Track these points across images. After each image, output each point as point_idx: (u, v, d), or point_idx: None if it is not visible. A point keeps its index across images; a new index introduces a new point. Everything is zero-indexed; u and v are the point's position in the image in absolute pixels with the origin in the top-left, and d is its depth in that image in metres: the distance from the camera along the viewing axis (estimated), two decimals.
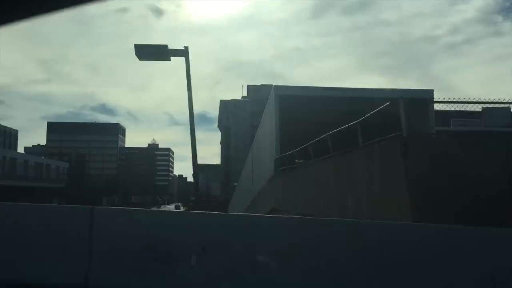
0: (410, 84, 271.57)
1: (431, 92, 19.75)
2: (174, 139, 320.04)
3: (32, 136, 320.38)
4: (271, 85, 31.84)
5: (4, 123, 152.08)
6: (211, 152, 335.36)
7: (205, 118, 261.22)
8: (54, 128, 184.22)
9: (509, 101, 10.05)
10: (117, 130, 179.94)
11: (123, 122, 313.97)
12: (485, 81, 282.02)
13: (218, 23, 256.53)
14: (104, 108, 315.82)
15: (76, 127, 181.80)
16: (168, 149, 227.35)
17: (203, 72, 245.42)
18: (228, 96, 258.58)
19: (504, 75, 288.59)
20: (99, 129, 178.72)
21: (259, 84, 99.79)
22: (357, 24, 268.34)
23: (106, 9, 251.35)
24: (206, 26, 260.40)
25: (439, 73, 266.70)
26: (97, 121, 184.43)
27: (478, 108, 9.74)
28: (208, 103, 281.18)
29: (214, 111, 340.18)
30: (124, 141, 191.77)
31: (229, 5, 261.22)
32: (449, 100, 9.20)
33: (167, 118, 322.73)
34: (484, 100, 9.99)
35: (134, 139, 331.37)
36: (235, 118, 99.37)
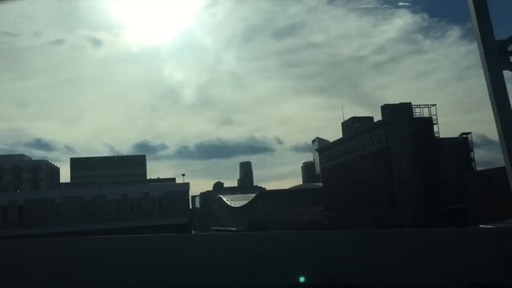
0: (343, 103, 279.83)
1: None
2: None
3: None
4: None
5: None
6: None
7: (147, 147, 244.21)
8: (76, 164, 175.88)
9: None
10: (144, 161, 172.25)
11: (61, 157, 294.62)
12: (411, 97, 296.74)
13: (153, 51, 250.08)
14: (39, 144, 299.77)
15: (98, 161, 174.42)
16: None
17: (139, 100, 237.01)
18: (166, 124, 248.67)
19: (428, 90, 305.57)
20: (122, 162, 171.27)
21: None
22: (287, 47, 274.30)
23: (40, 41, 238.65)
24: (142, 54, 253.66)
25: (369, 91, 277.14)
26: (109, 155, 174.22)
27: None
28: (146, 132, 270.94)
29: (154, 140, 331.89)
30: None
31: (163, 33, 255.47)
32: None
33: (107, 150, 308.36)
34: None
35: None
36: None
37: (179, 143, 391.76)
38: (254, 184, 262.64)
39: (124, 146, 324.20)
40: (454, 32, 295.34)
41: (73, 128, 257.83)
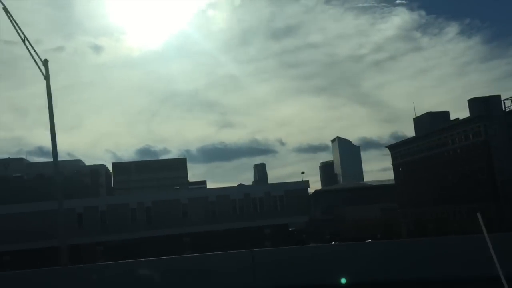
0: (344, 102, 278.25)
1: None
2: None
3: None
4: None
5: None
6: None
7: (149, 152, 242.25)
8: (118, 169, 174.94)
9: None
10: (185, 164, 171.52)
11: (63, 164, 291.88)
12: (411, 94, 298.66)
13: (151, 55, 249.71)
14: (41, 151, 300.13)
15: (139, 166, 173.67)
16: None
17: (139, 105, 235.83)
18: (166, 129, 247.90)
19: (427, 87, 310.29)
20: (164, 166, 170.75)
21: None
22: (286, 48, 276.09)
23: (41, 48, 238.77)
24: (141, 59, 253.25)
25: (369, 89, 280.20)
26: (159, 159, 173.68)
27: None
28: (147, 137, 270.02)
29: (156, 145, 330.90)
30: None
31: (161, 37, 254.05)
32: None
33: (110, 156, 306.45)
34: None
35: None
36: None
37: (181, 147, 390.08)
38: None
39: (126, 152, 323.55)
40: (452, 29, 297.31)
41: (72, 135, 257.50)
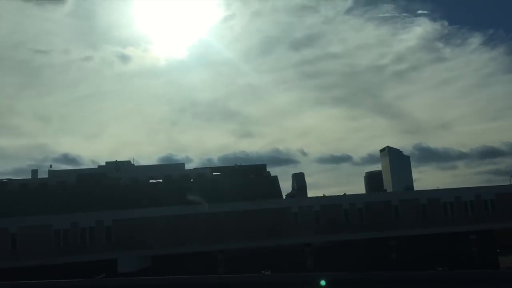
0: (365, 113, 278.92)
1: None
2: None
3: None
4: None
5: None
6: None
7: (172, 161, 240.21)
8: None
9: None
10: (265, 170, 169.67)
11: (168, 167, 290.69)
12: (433, 105, 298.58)
13: (172, 65, 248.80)
14: (66, 159, 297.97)
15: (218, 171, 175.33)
16: None
17: (159, 114, 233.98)
18: (186, 138, 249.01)
19: (450, 98, 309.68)
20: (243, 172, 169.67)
21: None
22: (306, 58, 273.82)
23: (70, 58, 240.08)
24: (162, 68, 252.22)
25: (390, 100, 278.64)
26: None
27: None
28: (168, 146, 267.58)
29: (179, 153, 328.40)
30: None
31: (182, 47, 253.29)
32: None
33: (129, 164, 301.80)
34: None
35: None
36: None
37: (202, 156, 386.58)
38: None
39: (149, 160, 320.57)
40: (475, 39, 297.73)
41: (93, 143, 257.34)
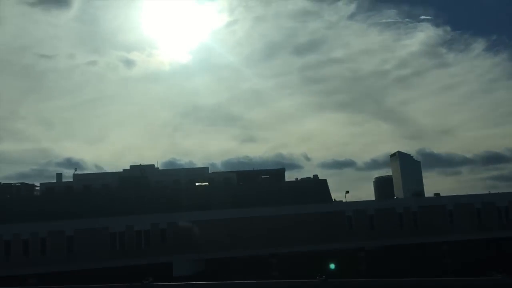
0: (367, 118, 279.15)
1: None
2: None
3: None
4: None
5: None
6: None
7: (175, 166, 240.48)
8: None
9: None
10: (283, 174, 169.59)
11: (192, 172, 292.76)
12: (437, 111, 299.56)
13: (174, 70, 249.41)
14: (70, 163, 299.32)
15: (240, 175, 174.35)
16: None
17: (161, 119, 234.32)
18: (189, 142, 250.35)
19: (453, 103, 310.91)
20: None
21: None
22: (309, 63, 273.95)
23: (74, 62, 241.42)
24: (164, 73, 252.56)
25: (393, 105, 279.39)
26: None
27: None
28: (170, 150, 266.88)
29: (182, 158, 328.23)
30: None
31: (185, 52, 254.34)
32: None
33: (136, 168, 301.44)
34: None
35: None
36: None
37: (205, 161, 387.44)
38: None
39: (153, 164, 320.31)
40: (479, 45, 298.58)
41: (97, 148, 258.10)
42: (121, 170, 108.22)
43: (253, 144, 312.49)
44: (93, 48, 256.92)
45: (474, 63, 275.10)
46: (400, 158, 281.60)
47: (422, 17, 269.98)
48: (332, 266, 48.17)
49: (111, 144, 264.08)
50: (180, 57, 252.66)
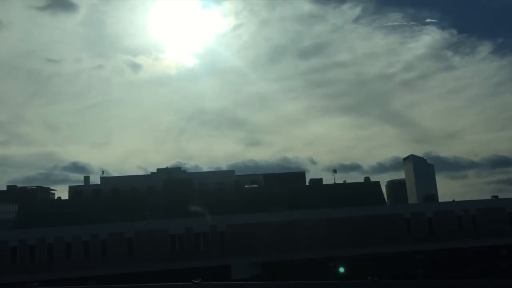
0: (373, 121, 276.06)
1: None
2: None
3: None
4: None
5: None
6: None
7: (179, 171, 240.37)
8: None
9: None
10: (305, 177, 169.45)
11: (96, 179, 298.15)
12: (443, 114, 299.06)
13: (180, 74, 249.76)
14: (76, 167, 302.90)
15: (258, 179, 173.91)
16: None
17: (166, 123, 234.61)
18: (194, 146, 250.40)
19: (459, 107, 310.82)
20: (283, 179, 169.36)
21: None
22: (314, 67, 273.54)
23: (81, 67, 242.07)
24: (170, 77, 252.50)
25: (398, 109, 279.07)
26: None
27: None
28: (176, 154, 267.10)
29: (187, 162, 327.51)
30: None
31: (190, 56, 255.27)
32: None
33: (142, 172, 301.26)
34: None
35: None
36: None
37: (211, 164, 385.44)
38: None
39: (157, 167, 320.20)
40: (485, 48, 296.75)
41: (102, 151, 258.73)
42: (149, 173, 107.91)
43: (258, 148, 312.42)
44: (99, 52, 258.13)
45: (480, 66, 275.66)
46: (413, 161, 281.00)
47: (428, 20, 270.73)
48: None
49: (117, 148, 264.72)
50: (186, 61, 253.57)
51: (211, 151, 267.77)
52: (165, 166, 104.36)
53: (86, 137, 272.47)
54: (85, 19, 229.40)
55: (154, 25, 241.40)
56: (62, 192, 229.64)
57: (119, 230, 56.29)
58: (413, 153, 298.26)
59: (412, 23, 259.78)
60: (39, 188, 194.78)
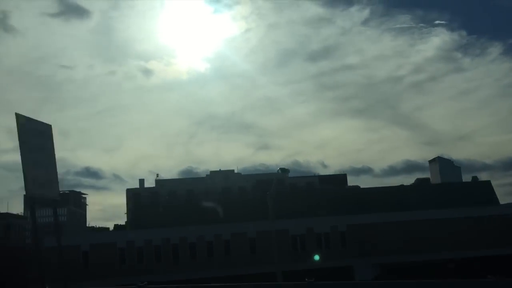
0: (383, 124, 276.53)
1: None
2: None
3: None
4: None
5: None
6: None
7: (192, 174, 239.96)
8: None
9: None
10: (345, 180, 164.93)
11: (108, 184, 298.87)
12: (453, 116, 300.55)
13: (193, 78, 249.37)
14: (88, 172, 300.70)
15: None
16: None
17: (177, 127, 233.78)
18: (204, 151, 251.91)
19: (470, 109, 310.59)
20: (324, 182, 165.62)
21: None
22: (323, 70, 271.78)
23: (93, 73, 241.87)
24: (180, 82, 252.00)
25: (408, 111, 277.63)
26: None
27: None
28: (186, 159, 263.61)
29: (199, 166, 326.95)
30: None
31: (199, 60, 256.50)
32: None
33: (153, 177, 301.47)
34: None
35: None
36: None
37: (221, 168, 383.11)
38: None
39: (170, 172, 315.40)
40: (495, 49, 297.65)
41: (112, 156, 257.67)
42: (204, 176, 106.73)
43: (268, 152, 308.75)
44: (112, 58, 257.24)
45: (491, 67, 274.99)
46: (440, 163, 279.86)
47: (437, 21, 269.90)
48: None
49: (128, 153, 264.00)
50: (198, 66, 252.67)
51: (221, 156, 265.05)
52: (179, 170, 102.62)
53: (98, 142, 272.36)
54: (97, 25, 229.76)
55: (165, 30, 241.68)
56: (92, 196, 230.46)
57: (241, 230, 55.11)
58: (422, 156, 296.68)
59: (421, 24, 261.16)
60: (72, 192, 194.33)
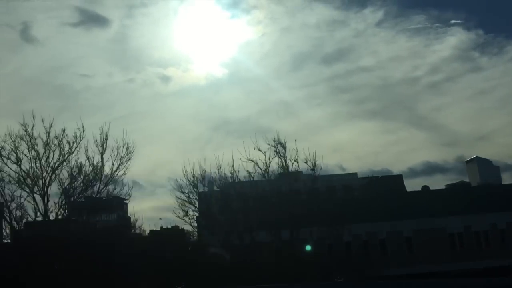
0: (400, 126, 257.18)
1: None
2: None
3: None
4: None
5: None
6: None
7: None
8: None
9: None
10: (402, 181, 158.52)
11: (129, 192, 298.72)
12: (472, 117, 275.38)
13: (209, 84, 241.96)
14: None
15: None
16: None
17: (193, 133, 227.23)
18: (220, 156, 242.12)
19: (488, 108, 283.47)
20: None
21: None
22: (337, 73, 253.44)
23: (112, 81, 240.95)
24: (197, 88, 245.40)
25: (426, 112, 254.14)
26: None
27: None
28: (204, 164, 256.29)
29: (215, 170, 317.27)
30: None
31: (214, 65, 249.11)
32: None
33: (172, 183, 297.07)
34: None
35: None
36: None
37: (239, 173, 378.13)
38: None
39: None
40: None
41: (132, 162, 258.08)
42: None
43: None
44: (130, 66, 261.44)
45: (509, 66, 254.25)
46: (478, 163, 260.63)
47: (453, 21, 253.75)
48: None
49: (145, 159, 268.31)
50: (215, 71, 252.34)
51: (237, 161, 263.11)
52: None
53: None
54: (116, 34, 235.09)
55: (183, 37, 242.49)
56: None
57: (397, 228, 54.82)
58: (441, 157, 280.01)
59: (437, 24, 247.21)
60: (115, 198, 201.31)
